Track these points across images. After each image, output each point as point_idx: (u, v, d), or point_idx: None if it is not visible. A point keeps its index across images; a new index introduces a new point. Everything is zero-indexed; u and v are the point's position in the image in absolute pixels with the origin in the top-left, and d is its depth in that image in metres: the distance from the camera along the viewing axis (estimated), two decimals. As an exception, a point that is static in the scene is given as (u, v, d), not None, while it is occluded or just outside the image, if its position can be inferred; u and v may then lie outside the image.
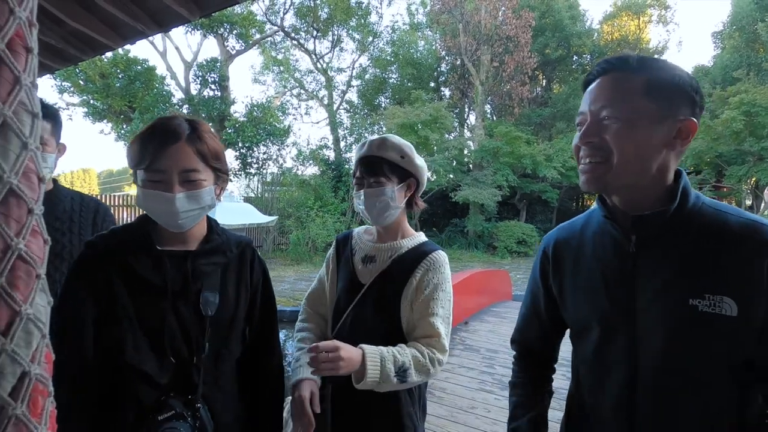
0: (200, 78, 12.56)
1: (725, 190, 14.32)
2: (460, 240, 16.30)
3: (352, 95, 21.11)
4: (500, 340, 4.55)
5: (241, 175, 13.75)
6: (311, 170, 15.02)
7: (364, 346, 1.03)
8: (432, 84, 20.82)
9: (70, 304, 0.89)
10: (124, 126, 12.22)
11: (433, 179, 15.84)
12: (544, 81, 22.52)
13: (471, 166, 17.23)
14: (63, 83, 11.32)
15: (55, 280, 1.25)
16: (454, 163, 16.75)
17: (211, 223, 1.04)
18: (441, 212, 17.88)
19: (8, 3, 0.38)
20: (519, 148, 14.98)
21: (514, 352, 1.08)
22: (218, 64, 12.68)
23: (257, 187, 15.12)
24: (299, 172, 14.50)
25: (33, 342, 0.41)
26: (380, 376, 1.00)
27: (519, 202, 17.37)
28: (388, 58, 19.91)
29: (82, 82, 11.27)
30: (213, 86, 12.75)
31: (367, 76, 20.48)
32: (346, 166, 15.19)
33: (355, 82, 20.51)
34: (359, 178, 1.20)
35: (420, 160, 1.21)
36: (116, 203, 10.26)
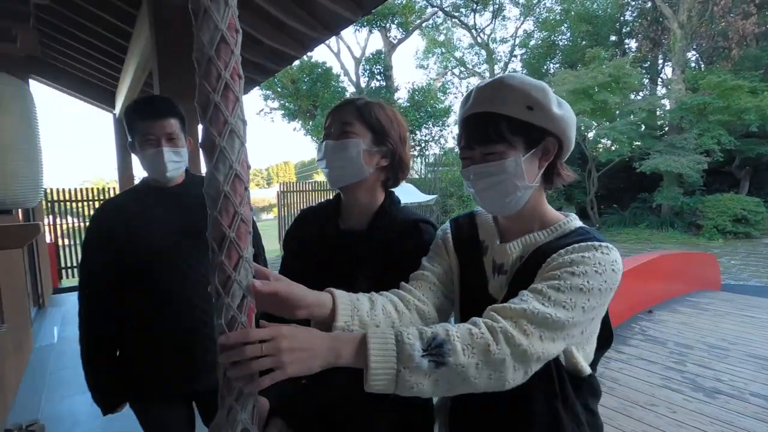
0: (368, 71, 13.70)
1: None
2: (650, 218, 13.89)
3: (516, 65, 19.85)
4: (696, 335, 3.81)
5: (406, 157, 14.57)
6: (472, 149, 14.88)
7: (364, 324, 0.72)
8: (613, 38, 17.93)
9: (288, 254, 1.09)
10: (310, 123, 14.30)
11: (613, 149, 13.86)
12: (783, 7, 16.88)
13: (666, 129, 14.37)
14: (266, 92, 13.88)
15: (195, 260, 1.31)
16: (642, 128, 14.22)
17: (385, 201, 1.00)
18: (624, 186, 15.50)
19: (230, 45, 0.58)
20: (738, 101, 11.74)
21: None
22: (382, 55, 13.58)
23: (421, 168, 15.80)
24: (460, 151, 14.53)
25: (248, 276, 0.62)
26: (396, 360, 0.60)
27: (738, 170, 13.68)
28: (558, 17, 17.94)
29: (279, 89, 13.61)
30: (378, 77, 13.75)
31: (532, 42, 18.93)
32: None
33: (518, 51, 19.22)
34: (464, 148, 0.79)
35: (561, 107, 0.76)
36: (308, 189, 12.18)
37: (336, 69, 14.35)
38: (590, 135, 14.95)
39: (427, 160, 15.52)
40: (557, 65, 18.48)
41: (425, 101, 13.50)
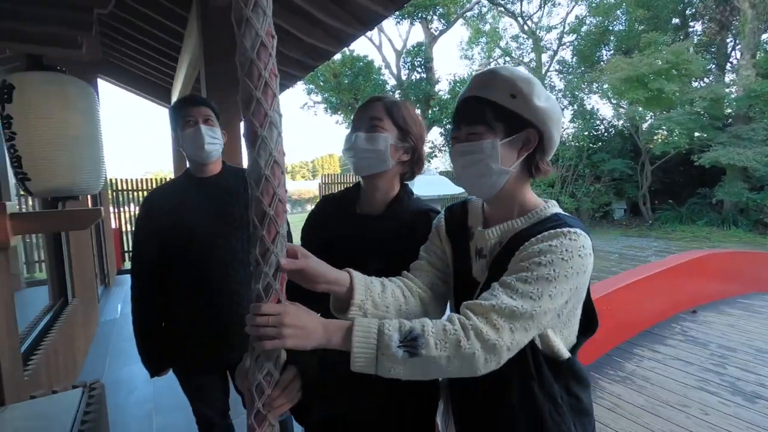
0: (408, 63, 13.67)
1: None
2: (709, 215, 12.94)
3: (565, 53, 18.99)
4: (742, 337, 3.59)
5: (445, 149, 14.45)
6: (515, 140, 14.52)
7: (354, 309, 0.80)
8: (675, 20, 16.65)
9: (309, 235, 1.18)
10: (351, 116, 14.52)
11: (669, 141, 12.99)
12: None
13: (732, 119, 13.26)
14: (309, 86, 14.22)
15: (232, 246, 1.46)
16: (705, 118, 13.21)
17: (400, 192, 1.09)
18: (681, 180, 14.51)
19: (268, 49, 0.67)
20: (818, 87, 10.63)
21: None
22: (423, 47, 13.48)
23: (461, 161, 15.59)
24: (502, 144, 14.24)
25: (283, 249, 0.70)
26: (376, 348, 0.69)
27: (816, 164, 12.42)
28: (612, 1, 16.92)
29: (322, 83, 13.90)
30: (419, 69, 13.67)
31: (583, 29, 17.99)
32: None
33: (568, 39, 18.35)
34: (454, 129, 0.86)
35: (546, 101, 0.80)
36: (349, 180, 12.46)
37: (378, 62, 14.48)
38: (644, 126, 14.10)
39: (468, 152, 15.29)
40: (611, 52, 17.44)
41: (467, 93, 13.30)
